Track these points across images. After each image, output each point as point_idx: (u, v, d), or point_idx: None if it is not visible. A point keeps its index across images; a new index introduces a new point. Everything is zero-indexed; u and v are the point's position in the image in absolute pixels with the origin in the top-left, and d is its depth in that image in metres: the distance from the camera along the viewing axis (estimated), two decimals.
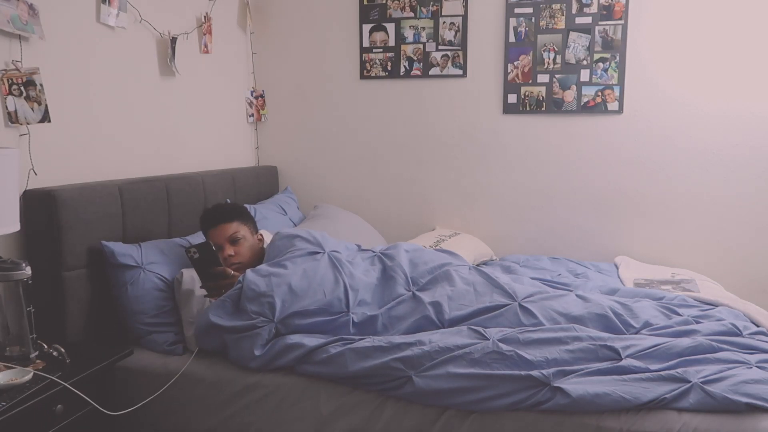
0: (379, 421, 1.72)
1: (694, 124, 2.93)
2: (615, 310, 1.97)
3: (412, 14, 3.19)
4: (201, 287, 2.03)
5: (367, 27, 3.25)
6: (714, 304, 2.13)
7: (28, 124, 1.89)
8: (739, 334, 1.85)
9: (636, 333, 1.90)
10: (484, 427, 1.63)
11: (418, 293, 2.08)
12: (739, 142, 2.88)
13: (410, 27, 3.20)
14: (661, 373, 1.61)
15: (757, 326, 1.96)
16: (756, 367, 1.63)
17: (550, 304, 2.01)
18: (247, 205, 2.78)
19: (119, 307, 2.04)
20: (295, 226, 2.97)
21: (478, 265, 2.70)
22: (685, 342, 1.74)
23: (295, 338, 1.87)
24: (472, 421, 1.63)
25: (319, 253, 2.16)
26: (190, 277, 2.10)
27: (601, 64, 2.98)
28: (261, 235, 2.39)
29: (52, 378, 1.53)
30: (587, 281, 2.49)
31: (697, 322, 1.94)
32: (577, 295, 2.09)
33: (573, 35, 3.00)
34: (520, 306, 1.98)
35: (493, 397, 1.63)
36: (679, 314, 2.01)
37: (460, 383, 1.66)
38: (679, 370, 1.61)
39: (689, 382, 1.56)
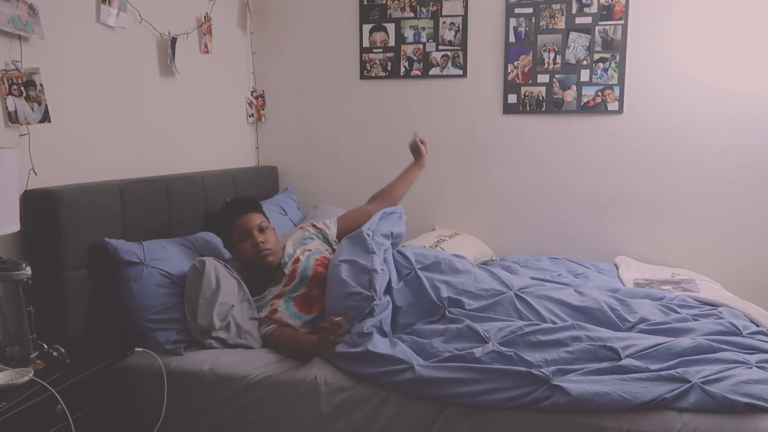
0: (378, 421, 1.72)
1: (693, 124, 2.93)
2: (611, 305, 1.99)
3: (412, 14, 3.19)
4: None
5: (367, 27, 3.25)
6: (714, 305, 2.13)
7: (28, 124, 1.89)
8: (738, 333, 1.86)
9: (632, 327, 1.91)
10: (485, 426, 1.63)
11: (420, 271, 2.16)
12: (739, 142, 2.88)
13: (410, 27, 3.20)
14: (661, 373, 1.61)
15: (757, 326, 1.96)
16: (756, 367, 1.63)
17: (546, 294, 2.04)
18: None
19: (122, 304, 2.04)
20: (296, 226, 2.97)
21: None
22: (685, 342, 1.74)
23: None
24: (473, 421, 1.63)
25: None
26: (213, 266, 2.05)
27: (601, 64, 2.98)
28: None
29: (42, 383, 1.51)
30: (587, 281, 2.49)
31: (695, 320, 1.95)
32: (575, 290, 2.11)
33: (573, 35, 3.00)
34: (516, 295, 2.03)
35: (492, 390, 1.63)
36: (678, 313, 2.01)
37: (460, 374, 1.68)
38: (679, 370, 1.61)
39: (689, 382, 1.56)
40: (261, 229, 2.22)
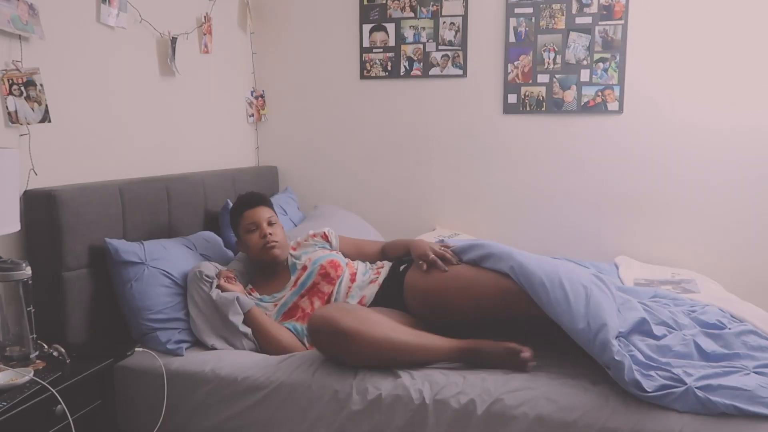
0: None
1: (694, 124, 2.93)
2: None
3: (412, 14, 3.19)
4: None
5: (367, 27, 3.25)
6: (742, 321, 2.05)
7: (28, 124, 1.89)
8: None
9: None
10: (489, 426, 1.62)
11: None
12: (739, 142, 2.88)
13: (410, 27, 3.20)
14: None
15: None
16: (753, 373, 1.63)
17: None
18: None
19: (123, 304, 2.04)
20: (296, 226, 2.97)
21: None
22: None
23: None
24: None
25: None
26: (214, 266, 2.13)
27: (601, 64, 2.98)
28: None
29: (43, 383, 1.52)
30: None
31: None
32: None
33: (573, 35, 3.00)
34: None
35: None
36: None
37: None
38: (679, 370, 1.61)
39: (685, 384, 1.55)
40: (270, 223, 2.25)
